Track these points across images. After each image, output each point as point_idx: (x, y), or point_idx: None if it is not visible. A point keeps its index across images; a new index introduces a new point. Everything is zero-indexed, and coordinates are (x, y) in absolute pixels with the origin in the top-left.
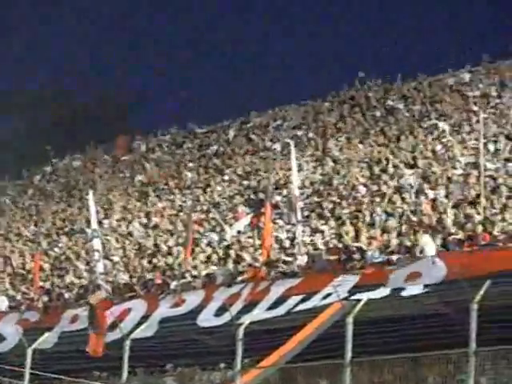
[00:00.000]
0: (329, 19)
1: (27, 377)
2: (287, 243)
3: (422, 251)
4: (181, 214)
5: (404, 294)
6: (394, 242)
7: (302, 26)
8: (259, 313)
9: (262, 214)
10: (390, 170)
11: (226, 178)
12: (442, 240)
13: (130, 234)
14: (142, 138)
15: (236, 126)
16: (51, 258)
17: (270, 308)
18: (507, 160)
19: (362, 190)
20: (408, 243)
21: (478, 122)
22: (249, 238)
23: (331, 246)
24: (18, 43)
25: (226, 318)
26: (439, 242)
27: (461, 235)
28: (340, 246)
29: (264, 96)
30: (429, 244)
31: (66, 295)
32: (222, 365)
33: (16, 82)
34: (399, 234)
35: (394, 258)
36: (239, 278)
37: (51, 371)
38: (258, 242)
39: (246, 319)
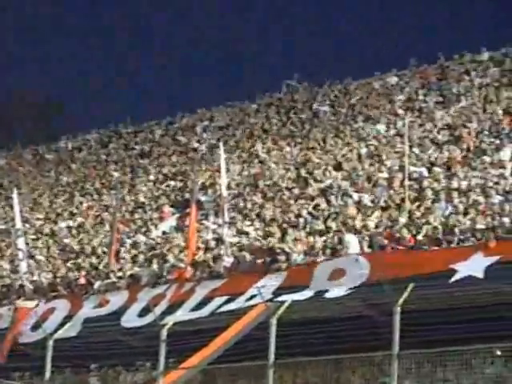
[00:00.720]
0: (258, 22)
1: None
2: (213, 244)
3: (346, 249)
4: (106, 213)
5: (328, 295)
6: (319, 243)
7: (230, 29)
8: (183, 314)
9: (187, 214)
10: (316, 172)
11: (152, 178)
12: (366, 242)
13: (55, 233)
14: (68, 138)
15: (163, 126)
16: None
17: (194, 309)
18: (432, 164)
19: (288, 191)
20: (333, 245)
21: (403, 125)
22: (174, 238)
23: (256, 247)
24: None
25: (149, 318)
26: (363, 244)
27: (385, 237)
28: (265, 247)
29: (191, 97)
30: (353, 242)
31: None
32: (146, 365)
33: None
34: (324, 236)
35: (319, 259)
36: (164, 279)
37: None
38: (183, 243)
39: (170, 320)
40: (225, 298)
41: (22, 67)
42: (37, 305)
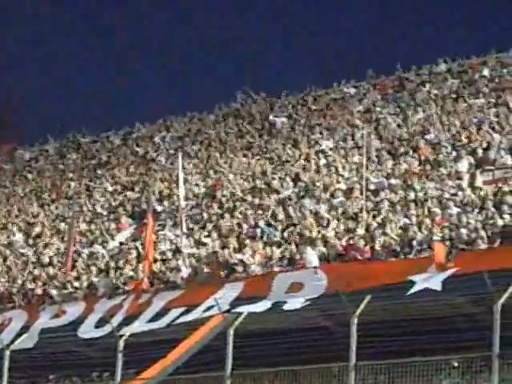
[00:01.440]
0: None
1: None
2: (170, 255)
3: (308, 262)
4: (63, 224)
5: (286, 307)
6: (276, 254)
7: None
8: (140, 325)
9: (144, 225)
10: (273, 183)
11: (110, 188)
12: (322, 253)
13: (11, 243)
14: (25, 148)
15: (120, 136)
16: None
17: (152, 320)
18: (389, 175)
19: (246, 202)
20: (291, 255)
21: (361, 136)
22: (131, 249)
23: (214, 258)
24: None
25: (106, 329)
26: (320, 255)
27: (342, 248)
28: (222, 258)
29: (149, 107)
30: (313, 256)
31: None
32: (103, 376)
33: None
34: (281, 247)
35: (276, 269)
36: (121, 290)
37: None
38: (140, 254)
39: (127, 331)
40: (182, 309)
41: None
42: None
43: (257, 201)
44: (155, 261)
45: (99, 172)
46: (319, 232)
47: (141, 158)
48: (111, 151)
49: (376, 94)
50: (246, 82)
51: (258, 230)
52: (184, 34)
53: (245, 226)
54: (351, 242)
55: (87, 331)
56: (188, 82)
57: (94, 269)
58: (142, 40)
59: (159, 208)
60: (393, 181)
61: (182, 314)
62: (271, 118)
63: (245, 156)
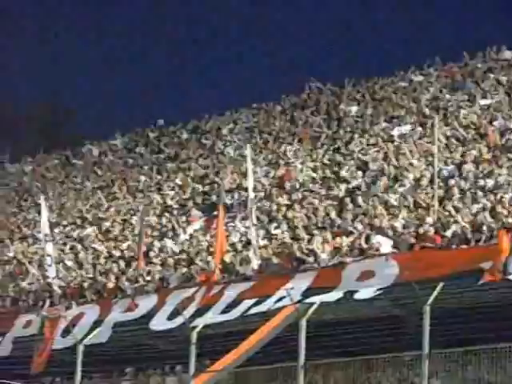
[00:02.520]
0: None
1: None
2: (240, 246)
3: (376, 250)
4: (134, 218)
5: (357, 296)
6: (347, 243)
7: (252, 29)
8: (212, 316)
9: (215, 217)
10: (342, 172)
11: (179, 181)
12: (393, 242)
13: (83, 238)
14: (94, 143)
15: (188, 129)
16: (3, 263)
17: (224, 312)
18: (459, 162)
19: (315, 192)
20: (361, 245)
21: (430, 124)
22: (202, 241)
23: (284, 249)
24: None
25: (178, 321)
26: (391, 244)
27: (413, 237)
28: (293, 249)
29: (217, 99)
30: (382, 243)
31: (19, 301)
32: (177, 368)
33: None
34: (351, 236)
35: (348, 260)
36: (192, 282)
37: (6, 377)
38: (211, 246)
39: (200, 323)
40: (253, 300)
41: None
42: (66, 310)
43: (326, 191)
44: (226, 253)
45: (168, 165)
46: (389, 221)
47: (209, 151)
48: (180, 145)
49: (443, 81)
50: (313, 72)
51: (328, 220)
52: (247, 24)
53: (314, 217)
54: (422, 230)
55: (159, 324)
56: (254, 73)
57: (165, 262)
58: (206, 32)
59: (229, 200)
60: (462, 168)
61: (253, 305)
62: (340, 106)
63: (313, 146)
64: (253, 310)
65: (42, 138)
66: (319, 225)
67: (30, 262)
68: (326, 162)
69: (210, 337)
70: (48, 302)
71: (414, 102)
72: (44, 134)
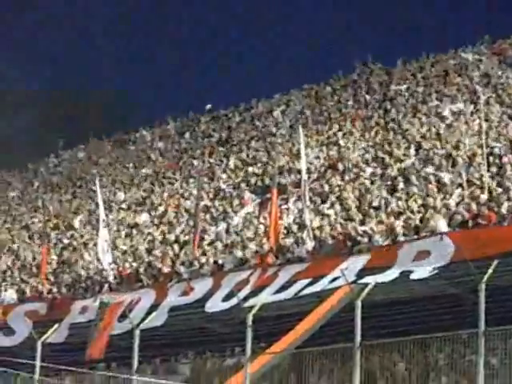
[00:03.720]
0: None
1: (38, 369)
2: (294, 228)
3: (435, 230)
4: (187, 202)
5: (413, 276)
6: (401, 224)
7: (302, 11)
8: (267, 297)
9: (268, 199)
10: (395, 152)
11: (232, 164)
12: (447, 221)
13: (137, 223)
14: (146, 128)
15: (240, 112)
16: (59, 249)
17: (278, 292)
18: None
19: (368, 173)
20: (414, 225)
21: (481, 102)
22: (255, 224)
23: (338, 230)
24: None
25: (233, 303)
26: (446, 223)
27: (467, 215)
28: (347, 229)
29: (267, 82)
30: (441, 223)
31: (75, 286)
32: (234, 351)
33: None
34: (405, 216)
35: (401, 239)
36: (247, 265)
37: (61, 363)
38: (265, 228)
39: (254, 302)
40: (308, 280)
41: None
42: (122, 296)
43: (379, 171)
44: (280, 235)
45: (221, 149)
46: (443, 200)
47: (261, 133)
48: (231, 128)
49: (494, 59)
50: (363, 52)
51: (382, 201)
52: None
53: (368, 197)
54: (476, 208)
55: (214, 306)
56: (304, 54)
57: (219, 245)
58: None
59: (282, 182)
60: None
61: (307, 285)
62: (391, 86)
63: (365, 126)
64: (307, 291)
65: (96, 124)
66: (373, 205)
67: (85, 248)
68: (378, 141)
69: (265, 319)
70: (104, 288)
71: (465, 79)
72: (97, 120)
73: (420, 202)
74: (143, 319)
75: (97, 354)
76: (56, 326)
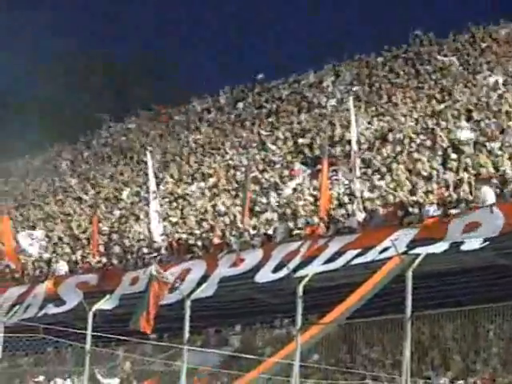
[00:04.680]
0: None
1: (89, 339)
2: (345, 199)
3: (482, 201)
4: (237, 173)
5: (463, 247)
6: (452, 194)
7: None
8: (317, 267)
9: (318, 171)
10: (446, 123)
11: (281, 136)
12: (498, 191)
13: (188, 194)
14: (196, 99)
15: (290, 83)
16: (110, 220)
17: (327, 262)
18: None
19: (418, 144)
20: (466, 196)
21: None
22: (306, 195)
23: (389, 201)
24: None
25: (283, 274)
26: (496, 194)
27: None
28: (397, 200)
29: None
30: (488, 194)
31: (126, 258)
32: (284, 322)
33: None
34: (457, 187)
35: (452, 211)
36: (297, 236)
37: (112, 333)
38: (315, 200)
39: (303, 273)
40: (358, 250)
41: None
42: (173, 267)
43: (429, 142)
44: (330, 206)
45: (271, 120)
46: (494, 170)
47: (311, 104)
48: (282, 99)
49: None
50: (415, 23)
51: (433, 171)
52: None
53: (418, 168)
54: None
55: (265, 277)
56: (355, 24)
57: (270, 216)
58: None
59: (332, 153)
60: None
61: (357, 256)
62: (441, 56)
63: (416, 97)
64: (357, 261)
65: (147, 96)
66: (424, 176)
67: (136, 220)
68: (428, 112)
69: (315, 290)
70: (155, 259)
71: None
72: (148, 92)
73: (471, 172)
74: (194, 290)
75: (146, 327)
76: (107, 296)
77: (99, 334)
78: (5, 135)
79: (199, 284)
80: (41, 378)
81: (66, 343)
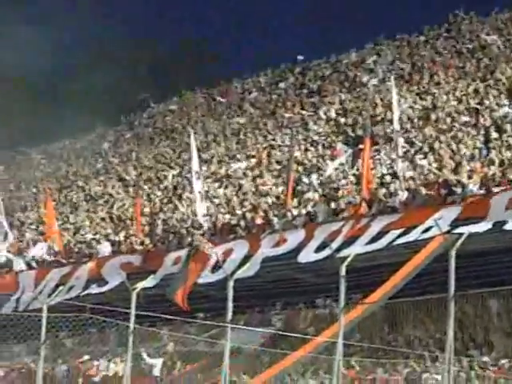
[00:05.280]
0: None
1: (133, 319)
2: (387, 179)
3: None
4: (279, 153)
5: (506, 227)
6: (495, 173)
7: None
8: (359, 247)
9: (360, 150)
10: (488, 102)
11: (323, 115)
12: None
13: (231, 175)
14: (238, 80)
15: (332, 63)
16: (152, 201)
17: (370, 242)
18: None
19: (461, 123)
20: (509, 174)
21: None
22: (348, 175)
23: (431, 180)
24: None
25: (326, 253)
26: None
27: None
28: (440, 180)
29: (358, 32)
30: None
31: (169, 238)
32: (326, 302)
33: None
34: (499, 166)
35: (496, 190)
36: (339, 216)
37: (156, 313)
38: (357, 179)
39: (346, 253)
40: (401, 230)
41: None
42: (216, 246)
43: (472, 120)
44: (372, 185)
45: (313, 100)
46: None
47: (353, 84)
48: (324, 78)
49: None
50: (456, 2)
51: (475, 150)
52: None
53: (461, 147)
54: None
55: (307, 257)
56: (396, 4)
57: (312, 196)
58: None
59: (374, 132)
60: None
61: (400, 235)
62: (482, 36)
63: (457, 76)
64: (400, 240)
65: (188, 76)
66: (466, 154)
67: (179, 200)
68: (470, 91)
69: (358, 269)
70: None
71: None
72: (190, 72)
73: None
74: (236, 270)
75: (181, 301)
76: (151, 276)
77: (143, 313)
78: (49, 118)
79: (242, 264)
80: (85, 358)
81: (110, 324)
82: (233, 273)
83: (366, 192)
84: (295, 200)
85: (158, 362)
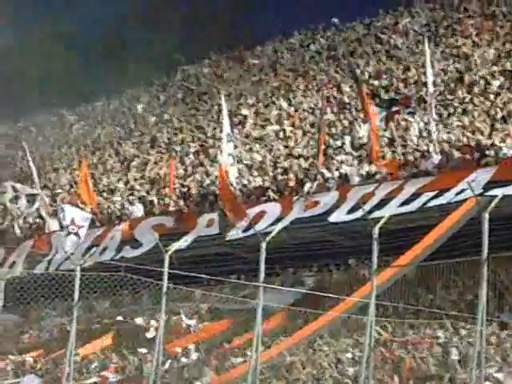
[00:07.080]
0: None
1: (166, 280)
2: (420, 142)
3: None
4: (312, 116)
5: None
6: None
7: None
8: (392, 209)
9: (394, 113)
10: None
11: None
12: None
13: (262, 137)
14: (270, 42)
15: (365, 25)
16: (186, 163)
17: (403, 204)
18: None
19: (495, 85)
20: None
21: None
22: (381, 137)
23: (465, 143)
24: None
25: (358, 214)
26: None
27: None
28: (474, 142)
29: None
30: None
31: (201, 200)
32: (358, 264)
33: None
34: None
35: None
36: (372, 179)
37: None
38: (389, 141)
39: (379, 215)
40: (434, 192)
41: None
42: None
43: (507, 83)
44: (405, 148)
45: (345, 62)
46: None
47: (386, 46)
48: (356, 41)
49: None
50: None
51: (510, 113)
52: None
53: (495, 110)
54: None
55: (339, 218)
56: None
57: (345, 158)
58: None
59: (408, 95)
60: None
61: (433, 198)
62: None
63: (492, 38)
64: (433, 203)
65: (221, 38)
66: (500, 117)
67: (211, 163)
68: (504, 54)
69: (391, 232)
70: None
71: None
72: (223, 34)
73: None
74: (269, 232)
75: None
76: (184, 238)
77: (177, 272)
78: (82, 79)
79: (274, 226)
80: (119, 318)
81: (144, 285)
82: (265, 234)
83: (398, 154)
84: (327, 162)
85: (192, 323)
